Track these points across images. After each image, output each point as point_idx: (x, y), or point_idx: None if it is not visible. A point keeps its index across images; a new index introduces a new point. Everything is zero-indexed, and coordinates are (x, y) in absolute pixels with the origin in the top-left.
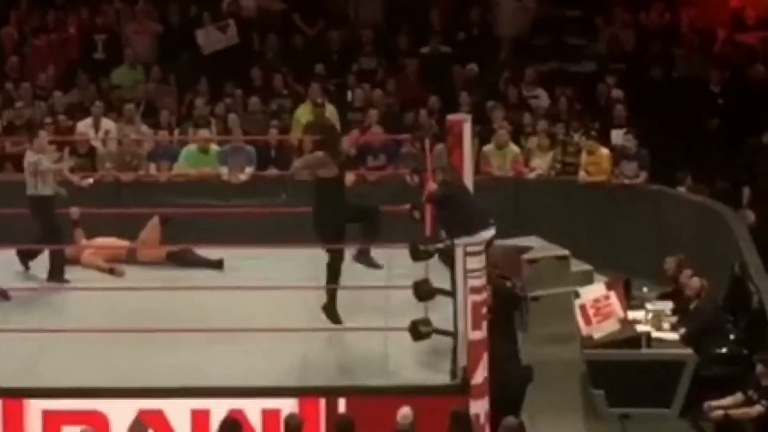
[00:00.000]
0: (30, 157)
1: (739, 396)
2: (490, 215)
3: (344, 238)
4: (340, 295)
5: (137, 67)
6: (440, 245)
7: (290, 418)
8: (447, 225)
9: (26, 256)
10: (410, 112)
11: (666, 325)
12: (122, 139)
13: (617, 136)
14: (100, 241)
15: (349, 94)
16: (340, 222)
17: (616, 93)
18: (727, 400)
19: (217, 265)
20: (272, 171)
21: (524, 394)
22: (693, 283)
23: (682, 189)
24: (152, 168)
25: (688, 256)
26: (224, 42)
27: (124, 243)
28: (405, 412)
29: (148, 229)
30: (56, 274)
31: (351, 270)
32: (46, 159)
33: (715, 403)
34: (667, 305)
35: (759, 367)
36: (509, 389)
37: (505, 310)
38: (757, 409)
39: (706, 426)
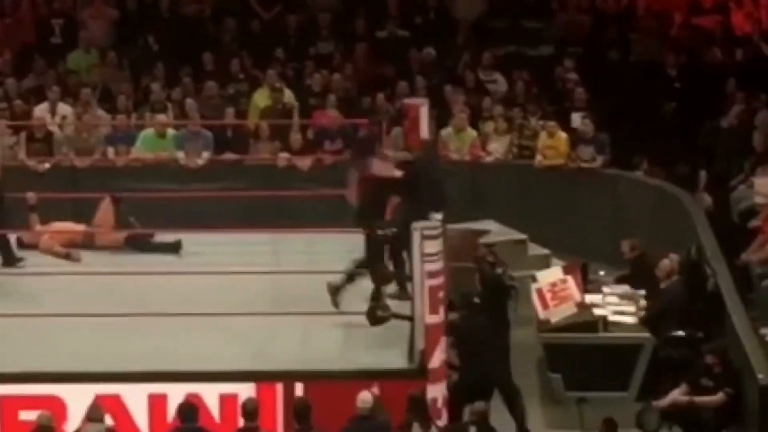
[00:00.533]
0: None
1: (684, 388)
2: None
3: None
4: (300, 280)
5: (91, 51)
6: (394, 229)
7: (247, 402)
8: (418, 202)
9: None
10: (367, 97)
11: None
12: (79, 124)
13: (575, 119)
14: (57, 225)
15: (307, 79)
16: None
17: (574, 76)
18: (673, 394)
19: (175, 248)
20: (229, 155)
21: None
22: (663, 264)
23: (639, 173)
24: (110, 152)
25: (646, 240)
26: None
27: (81, 227)
28: (364, 396)
29: (101, 212)
30: (8, 258)
31: (310, 255)
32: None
33: (662, 402)
34: (624, 288)
35: (709, 357)
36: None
37: (495, 298)
38: (720, 396)
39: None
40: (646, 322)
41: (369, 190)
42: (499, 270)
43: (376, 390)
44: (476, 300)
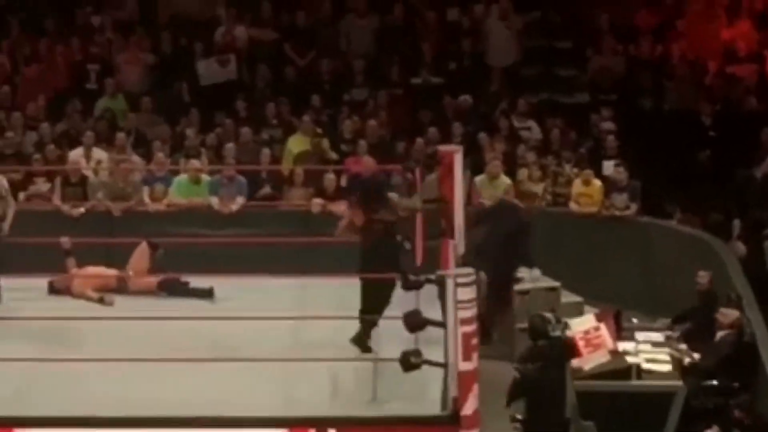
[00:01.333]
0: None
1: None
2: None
3: None
4: (332, 324)
5: (118, 97)
6: (431, 276)
7: None
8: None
9: None
10: (401, 142)
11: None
12: (114, 169)
13: (608, 167)
14: (90, 270)
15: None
16: None
17: (607, 125)
18: None
19: (208, 294)
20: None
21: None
22: (730, 313)
23: (672, 221)
24: (146, 191)
25: (679, 288)
26: (223, 76)
27: (114, 272)
28: None
29: (136, 256)
30: None
31: (343, 299)
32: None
33: None
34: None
35: (736, 412)
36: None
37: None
38: None
39: None
40: (689, 370)
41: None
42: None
43: None
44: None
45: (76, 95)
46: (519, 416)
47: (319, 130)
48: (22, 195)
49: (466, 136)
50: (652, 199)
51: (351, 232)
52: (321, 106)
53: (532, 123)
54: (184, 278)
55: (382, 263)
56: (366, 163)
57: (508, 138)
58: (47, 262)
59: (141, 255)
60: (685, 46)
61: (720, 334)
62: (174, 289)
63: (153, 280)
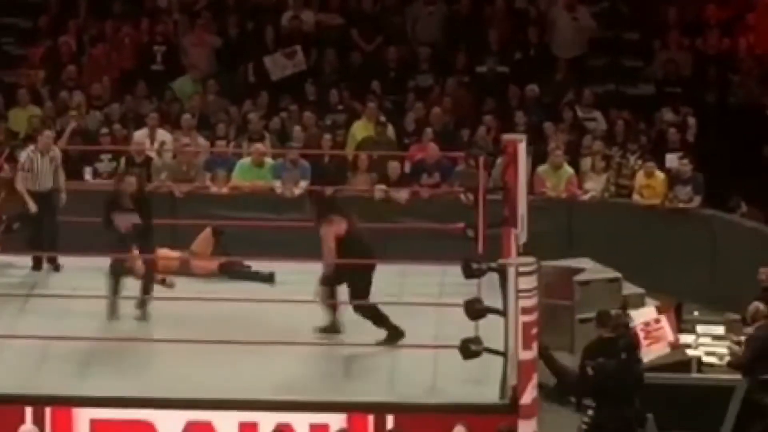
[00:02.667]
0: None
1: None
2: (543, 236)
3: None
4: (392, 311)
5: (186, 79)
6: (493, 264)
7: None
8: None
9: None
10: (465, 130)
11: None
12: (178, 151)
13: (671, 159)
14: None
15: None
16: None
17: (672, 117)
18: None
19: (269, 278)
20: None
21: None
22: (753, 308)
23: (736, 215)
24: (207, 177)
25: (742, 281)
26: (291, 68)
27: (177, 254)
28: (459, 429)
29: (199, 241)
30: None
31: (402, 287)
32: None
33: None
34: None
35: None
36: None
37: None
38: None
39: None
40: (734, 366)
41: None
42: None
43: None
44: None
45: (142, 76)
46: (590, 408)
47: (383, 118)
48: (87, 172)
49: (530, 125)
50: (717, 192)
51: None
52: (385, 92)
53: (597, 114)
54: (246, 263)
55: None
56: (430, 150)
57: (572, 128)
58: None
59: (205, 240)
60: (752, 40)
61: (749, 330)
62: (235, 272)
63: (214, 262)
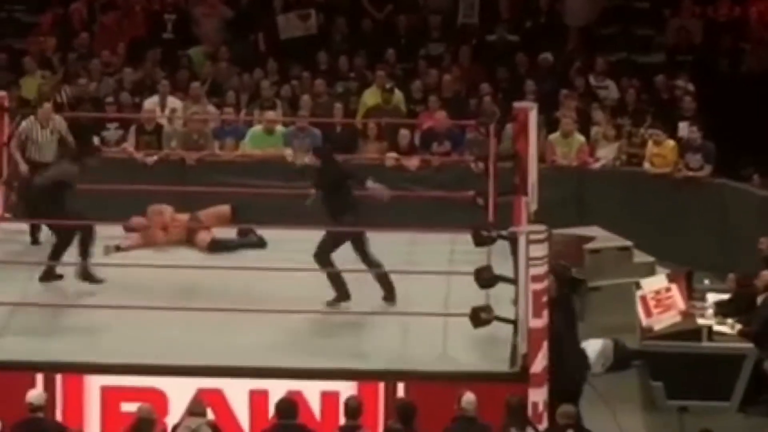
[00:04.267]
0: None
1: None
2: (554, 204)
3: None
4: (402, 279)
5: (197, 47)
6: (503, 232)
7: (350, 400)
8: None
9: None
10: (474, 99)
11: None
12: (188, 118)
13: (683, 128)
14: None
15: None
16: None
17: (685, 85)
18: None
19: (260, 244)
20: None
21: (583, 381)
22: (764, 276)
23: (747, 184)
24: (216, 146)
25: (751, 251)
26: (303, 30)
27: (185, 217)
28: (468, 397)
29: (211, 214)
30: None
31: (412, 255)
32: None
33: None
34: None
35: None
36: (568, 376)
37: (564, 293)
38: None
39: None
40: (746, 335)
41: None
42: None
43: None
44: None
45: (153, 44)
46: None
47: (389, 86)
48: (96, 140)
49: (541, 93)
50: (728, 161)
51: None
52: (396, 60)
53: (609, 82)
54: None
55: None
56: (439, 118)
57: (583, 96)
58: (119, 209)
59: (219, 216)
60: (763, 8)
61: (760, 298)
62: (223, 246)
63: (207, 238)
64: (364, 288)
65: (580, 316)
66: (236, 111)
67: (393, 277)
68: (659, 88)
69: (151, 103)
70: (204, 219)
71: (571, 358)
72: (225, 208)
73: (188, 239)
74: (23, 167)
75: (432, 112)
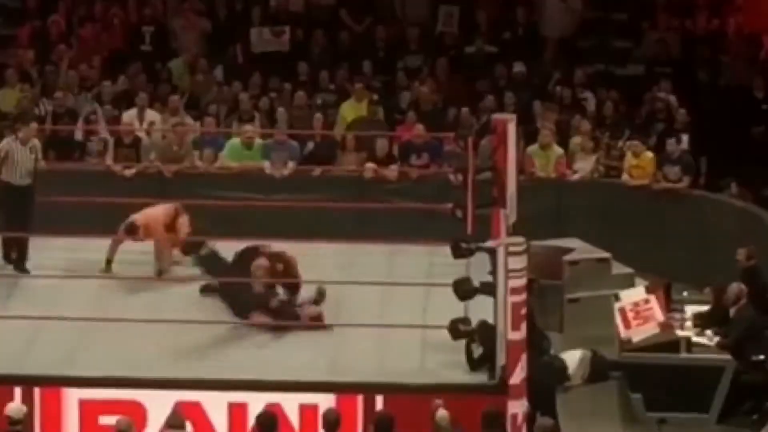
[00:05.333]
0: (6, 145)
1: None
2: (532, 216)
3: None
4: (381, 291)
5: (178, 60)
6: (483, 244)
7: (328, 413)
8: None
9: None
10: (452, 110)
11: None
12: (167, 131)
13: (672, 143)
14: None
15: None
16: None
17: (668, 96)
18: None
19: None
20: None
21: (552, 389)
22: (732, 288)
23: (725, 195)
24: (195, 156)
25: (730, 261)
26: (275, 46)
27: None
28: (442, 413)
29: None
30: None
31: (391, 267)
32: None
33: None
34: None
35: None
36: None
37: None
38: None
39: None
40: (724, 347)
41: None
42: None
43: (440, 402)
44: None
45: (131, 57)
46: None
47: (375, 97)
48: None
49: (519, 105)
50: (706, 172)
51: None
52: (375, 72)
53: (588, 94)
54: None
55: None
56: (417, 131)
57: (563, 108)
58: (97, 221)
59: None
60: (741, 20)
61: (732, 310)
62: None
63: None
64: (342, 301)
65: (558, 327)
66: (216, 123)
67: (372, 289)
68: (645, 101)
69: (129, 115)
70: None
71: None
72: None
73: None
74: None
75: (410, 125)
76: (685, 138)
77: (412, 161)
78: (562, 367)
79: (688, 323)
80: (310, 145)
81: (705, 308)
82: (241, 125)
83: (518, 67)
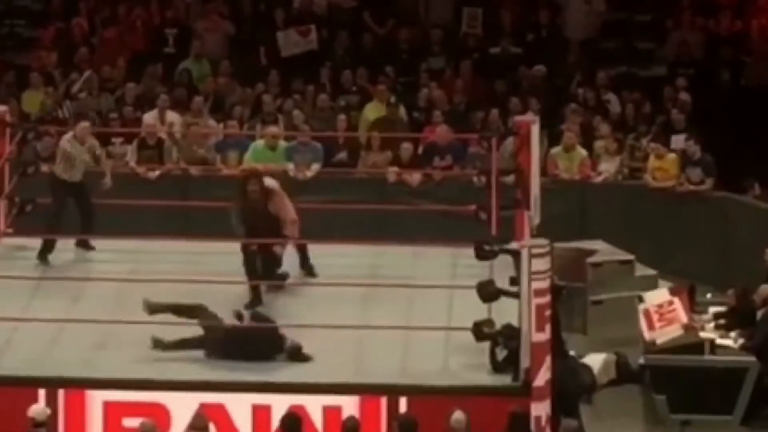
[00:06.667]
0: (66, 144)
1: None
2: (556, 218)
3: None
4: (404, 293)
5: (202, 61)
6: (506, 246)
7: (348, 421)
8: None
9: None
10: (478, 112)
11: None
12: (189, 132)
13: (677, 141)
14: None
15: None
16: None
17: (683, 95)
18: None
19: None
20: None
21: (576, 391)
22: (763, 289)
23: (748, 196)
24: (218, 159)
25: (755, 263)
26: (303, 46)
27: None
28: (458, 416)
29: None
30: (44, 254)
31: (415, 269)
32: (82, 149)
33: None
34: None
35: None
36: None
37: None
38: None
39: None
40: (749, 349)
41: None
42: None
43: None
44: None
45: (154, 59)
46: None
47: (393, 100)
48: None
49: (543, 107)
50: (729, 173)
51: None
52: (398, 74)
53: (611, 96)
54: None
55: None
56: (441, 132)
57: (586, 110)
58: (122, 223)
59: None
60: (764, 21)
61: (759, 312)
62: None
63: None
64: (365, 303)
65: (582, 329)
66: (240, 125)
67: (396, 291)
68: (667, 99)
69: (149, 117)
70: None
71: (559, 365)
72: None
73: None
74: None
75: (435, 125)
76: (676, 138)
77: (436, 163)
78: (589, 372)
79: (712, 325)
80: (342, 154)
81: (723, 309)
82: (264, 127)
83: (537, 68)
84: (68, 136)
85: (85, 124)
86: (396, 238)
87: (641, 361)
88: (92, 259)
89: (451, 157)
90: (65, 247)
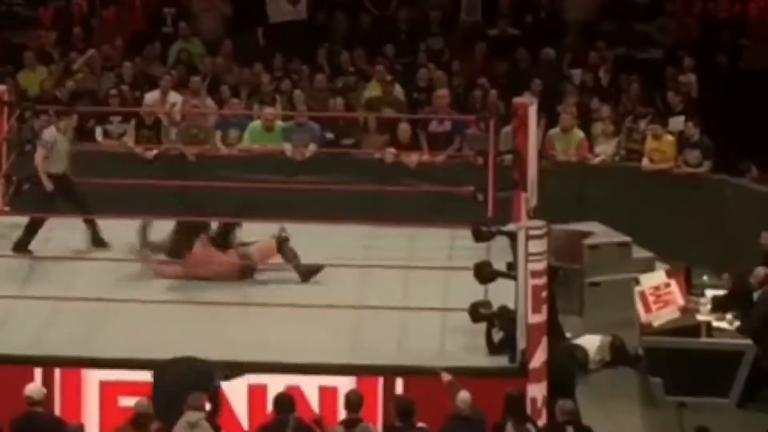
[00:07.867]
0: (52, 138)
1: None
2: (553, 200)
3: None
4: (402, 273)
5: (193, 40)
6: (504, 228)
7: (350, 394)
8: None
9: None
10: (476, 93)
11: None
12: (188, 113)
13: (675, 123)
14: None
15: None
16: None
17: (686, 79)
18: None
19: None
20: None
21: (571, 372)
22: (758, 272)
23: (745, 179)
24: (217, 136)
25: (751, 246)
26: (292, 15)
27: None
28: (464, 396)
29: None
30: (23, 244)
31: (412, 250)
32: (62, 139)
33: None
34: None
35: None
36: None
37: None
38: None
39: None
40: (744, 332)
41: None
42: None
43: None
44: None
45: (153, 38)
46: None
47: (389, 78)
48: (98, 133)
49: (542, 89)
50: (727, 156)
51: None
52: (397, 55)
53: (609, 78)
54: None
55: None
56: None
57: (584, 91)
58: (118, 203)
59: (267, 252)
60: (763, 4)
61: (756, 294)
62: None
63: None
64: (362, 283)
65: (578, 311)
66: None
67: (393, 272)
68: (668, 78)
69: (151, 97)
70: (255, 257)
71: (555, 346)
72: (271, 243)
73: (240, 278)
74: (48, 186)
75: (434, 106)
76: (675, 120)
77: (433, 128)
78: (582, 352)
79: (708, 307)
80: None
81: (722, 292)
82: (262, 108)
83: (546, 50)
84: (51, 129)
85: (74, 118)
86: (393, 219)
87: (640, 351)
88: (88, 238)
89: (450, 124)
90: (63, 225)
